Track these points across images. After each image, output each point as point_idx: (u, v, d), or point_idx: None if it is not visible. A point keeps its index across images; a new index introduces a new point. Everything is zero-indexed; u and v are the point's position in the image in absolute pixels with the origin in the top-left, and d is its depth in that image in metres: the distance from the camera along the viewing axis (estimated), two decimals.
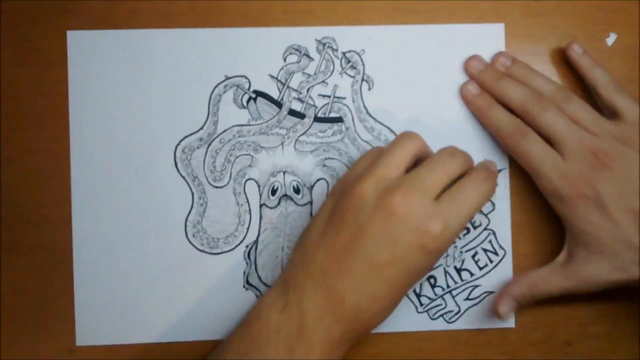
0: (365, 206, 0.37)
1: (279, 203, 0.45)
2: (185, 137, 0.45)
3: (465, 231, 0.46)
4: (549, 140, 0.42)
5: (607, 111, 0.44)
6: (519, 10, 0.46)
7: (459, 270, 0.46)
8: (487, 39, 0.46)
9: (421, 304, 0.46)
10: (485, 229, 0.46)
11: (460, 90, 0.46)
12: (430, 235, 0.37)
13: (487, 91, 0.45)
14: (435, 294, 0.46)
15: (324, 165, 0.46)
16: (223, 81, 0.45)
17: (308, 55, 0.46)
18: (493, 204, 0.46)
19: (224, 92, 0.45)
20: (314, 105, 0.46)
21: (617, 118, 0.43)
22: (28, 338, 0.45)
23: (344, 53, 0.46)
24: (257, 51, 0.45)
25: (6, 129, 0.45)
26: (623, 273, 0.40)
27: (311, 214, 0.45)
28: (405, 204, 0.37)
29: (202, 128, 0.45)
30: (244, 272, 0.45)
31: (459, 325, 0.46)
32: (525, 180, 0.46)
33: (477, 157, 0.45)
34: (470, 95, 0.45)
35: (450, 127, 0.46)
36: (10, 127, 0.45)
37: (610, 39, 0.47)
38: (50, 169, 0.45)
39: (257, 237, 0.45)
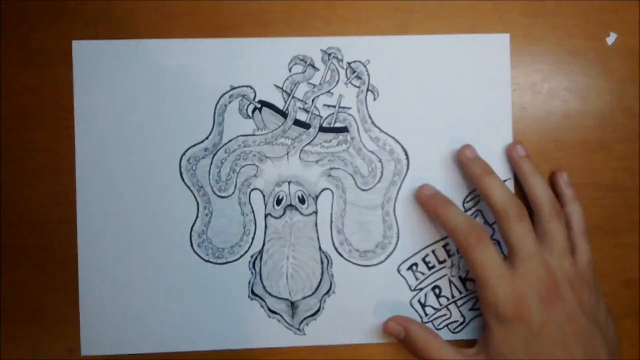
0: None
1: (284, 213, 0.45)
2: (191, 147, 0.45)
3: None
4: (509, 250, 0.42)
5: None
6: (519, 10, 0.47)
7: (463, 280, 0.46)
8: (492, 49, 0.46)
9: (426, 314, 0.46)
10: (490, 238, 0.46)
11: (415, 193, 0.45)
12: None
13: (473, 182, 0.44)
14: (440, 304, 0.46)
15: (329, 175, 0.46)
16: (228, 91, 0.45)
17: (313, 66, 0.46)
18: None
19: (230, 102, 0.45)
20: (319, 115, 0.46)
21: (574, 255, 0.43)
22: (28, 338, 0.45)
23: (349, 63, 0.46)
24: (262, 61, 0.45)
25: (7, 129, 0.45)
26: None
27: (316, 224, 0.45)
28: None
29: (207, 138, 0.45)
30: (249, 282, 0.45)
31: (464, 335, 0.46)
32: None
33: None
34: (425, 196, 0.44)
35: (455, 137, 0.46)
36: (12, 127, 0.45)
37: (610, 39, 0.47)
38: (53, 170, 0.45)
39: (262, 247, 0.45)
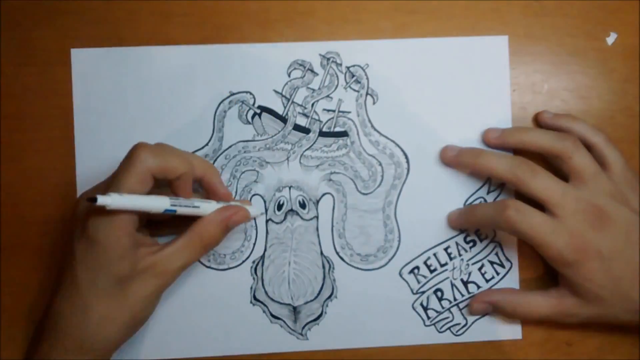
0: None
1: (285, 218, 0.45)
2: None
3: (471, 244, 0.46)
4: (542, 204, 0.42)
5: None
6: (519, 10, 0.47)
7: (465, 283, 0.46)
8: (491, 51, 0.46)
9: (428, 317, 0.46)
10: (492, 241, 0.46)
11: (440, 158, 0.46)
12: None
13: (472, 172, 0.45)
14: (442, 307, 0.46)
15: (330, 180, 0.46)
16: (228, 97, 0.45)
17: (312, 70, 0.46)
18: None
19: (229, 108, 0.45)
20: (319, 120, 0.46)
21: (606, 169, 0.43)
22: (28, 338, 0.44)
23: (348, 67, 0.46)
24: (261, 67, 0.45)
25: (7, 129, 0.45)
26: (612, 318, 0.42)
27: (317, 228, 0.45)
28: None
29: (207, 144, 0.45)
30: (251, 288, 0.45)
31: (466, 337, 0.46)
32: None
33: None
34: (452, 157, 0.45)
35: (455, 140, 0.46)
36: (11, 127, 0.45)
37: (610, 39, 0.47)
38: (53, 170, 0.45)
39: (264, 253, 0.45)
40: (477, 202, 0.46)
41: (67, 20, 0.45)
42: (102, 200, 0.34)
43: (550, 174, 0.42)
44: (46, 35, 0.45)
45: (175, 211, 0.38)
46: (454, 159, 0.45)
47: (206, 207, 0.40)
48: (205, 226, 0.40)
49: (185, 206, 0.39)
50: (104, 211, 0.35)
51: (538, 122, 0.46)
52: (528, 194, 0.42)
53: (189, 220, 0.40)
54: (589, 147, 0.43)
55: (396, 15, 0.46)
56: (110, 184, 0.38)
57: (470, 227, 0.45)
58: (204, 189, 0.42)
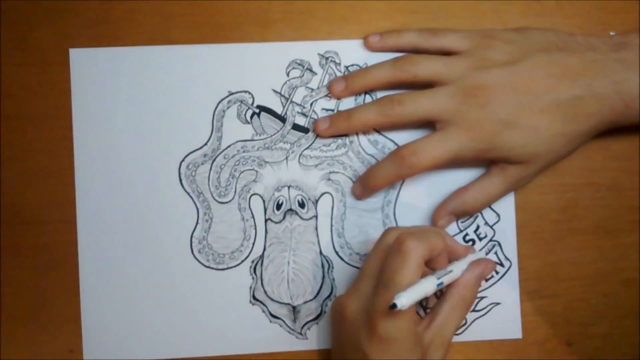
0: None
1: (284, 218, 0.45)
2: (190, 153, 0.45)
3: (470, 243, 0.46)
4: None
5: None
6: (519, 10, 0.46)
7: None
8: None
9: None
10: (491, 240, 0.46)
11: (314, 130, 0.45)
12: None
13: (350, 131, 0.45)
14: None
15: (329, 179, 0.46)
16: (226, 97, 0.45)
17: (311, 70, 0.46)
18: (498, 216, 0.46)
19: (228, 107, 0.45)
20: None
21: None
22: (28, 338, 0.45)
23: (346, 67, 0.46)
24: (260, 66, 0.45)
25: (6, 130, 0.45)
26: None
27: (316, 228, 0.45)
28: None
29: (206, 144, 0.45)
30: (250, 287, 0.45)
31: (466, 336, 0.46)
32: (530, 190, 0.46)
33: (480, 168, 0.45)
34: (325, 130, 0.45)
35: None
36: (11, 127, 0.45)
37: None
38: (53, 170, 0.45)
39: (263, 252, 0.45)
40: None
41: (66, 20, 0.45)
42: (400, 304, 0.35)
43: (429, 56, 0.42)
44: (45, 35, 0.45)
45: (442, 284, 0.39)
46: (328, 131, 0.44)
47: (458, 268, 0.40)
48: (466, 289, 0.40)
49: (446, 275, 0.39)
50: (393, 312, 0.36)
51: (367, 48, 0.45)
52: (416, 82, 0.42)
53: None
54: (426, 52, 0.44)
55: (396, 15, 0.46)
56: (384, 283, 0.37)
57: (373, 191, 0.45)
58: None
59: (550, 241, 0.46)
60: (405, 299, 0.35)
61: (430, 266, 0.40)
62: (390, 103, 0.42)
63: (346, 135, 0.45)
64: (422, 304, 0.46)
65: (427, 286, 0.37)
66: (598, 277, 0.46)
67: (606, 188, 0.46)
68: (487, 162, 0.44)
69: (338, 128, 0.44)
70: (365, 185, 0.44)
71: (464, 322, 0.46)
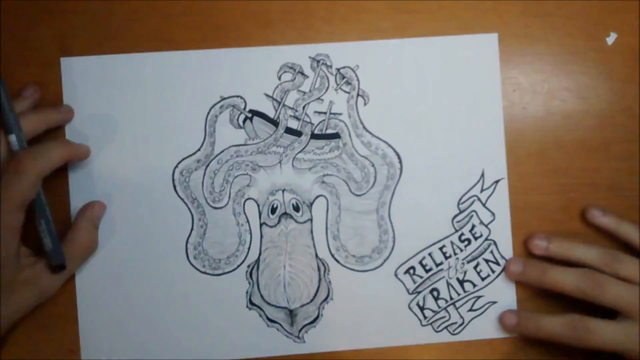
0: None
1: (279, 221, 0.45)
2: (183, 159, 0.45)
3: (466, 242, 0.46)
4: (614, 310, 0.42)
5: None
6: (519, 10, 0.46)
7: (461, 282, 0.46)
8: (481, 49, 0.46)
9: (425, 317, 0.46)
10: (486, 239, 0.46)
11: (504, 272, 0.46)
12: None
13: (539, 287, 0.45)
14: (439, 307, 0.46)
15: (323, 182, 0.46)
16: (219, 102, 0.45)
17: (302, 73, 0.46)
18: (493, 215, 0.46)
19: (220, 112, 0.45)
20: (311, 123, 0.46)
21: None
22: (28, 338, 0.45)
23: (338, 69, 0.46)
24: (251, 71, 0.45)
25: None
26: None
27: (311, 231, 0.45)
28: None
29: (199, 149, 0.45)
30: (247, 292, 0.45)
31: (464, 336, 0.46)
32: (524, 189, 0.46)
33: (475, 166, 0.46)
34: (516, 273, 0.45)
35: (446, 138, 0.46)
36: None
37: (610, 39, 0.47)
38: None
39: (259, 257, 0.45)
40: (470, 200, 0.46)
41: (66, 20, 0.45)
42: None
43: (617, 282, 0.42)
44: (45, 35, 0.45)
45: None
46: (520, 275, 0.45)
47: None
48: (77, 237, 0.42)
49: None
50: None
51: (585, 218, 0.46)
52: (601, 305, 0.42)
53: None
54: (637, 247, 0.44)
55: (396, 15, 0.46)
56: None
57: (532, 336, 0.45)
58: None
59: None
60: None
61: None
62: (595, 284, 0.42)
63: (338, 137, 0.45)
64: (420, 305, 0.46)
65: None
66: None
67: (606, 188, 0.47)
68: None
69: (529, 277, 0.44)
70: (525, 329, 0.44)
71: (461, 321, 0.46)
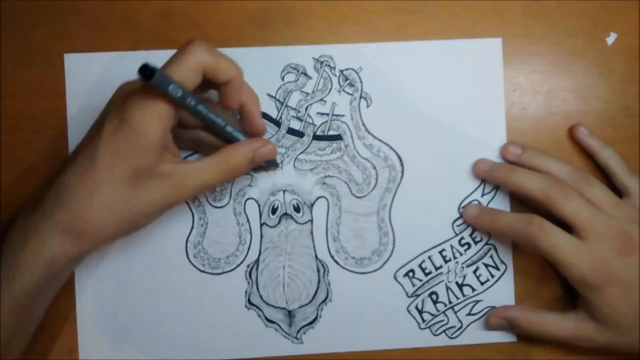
0: None
1: (279, 222, 0.45)
2: (185, 157, 0.45)
3: (466, 246, 0.46)
4: (569, 225, 0.41)
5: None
6: (519, 10, 0.46)
7: (460, 286, 0.46)
8: (485, 54, 0.46)
9: (423, 320, 0.46)
10: (486, 244, 0.46)
11: (472, 170, 0.46)
12: None
13: (503, 188, 0.45)
14: (438, 310, 0.46)
15: (324, 183, 0.46)
16: None
17: (306, 74, 0.46)
18: None
19: None
20: (313, 124, 0.46)
21: (627, 197, 0.43)
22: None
23: (341, 71, 0.46)
24: (254, 70, 0.45)
25: (5, 130, 0.45)
26: (629, 347, 0.42)
27: (312, 232, 0.45)
28: None
29: None
30: (246, 292, 0.45)
31: (462, 340, 0.46)
32: None
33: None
34: (483, 171, 0.45)
35: (449, 142, 0.46)
36: (10, 127, 0.45)
37: (611, 39, 0.47)
38: (51, 172, 0.44)
39: (258, 257, 0.45)
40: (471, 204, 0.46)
41: (66, 20, 0.45)
42: (156, 74, 0.33)
43: (581, 197, 0.41)
44: (44, 35, 0.45)
45: (208, 115, 0.37)
46: (486, 173, 0.45)
47: (236, 134, 0.39)
48: (234, 151, 0.39)
49: (217, 116, 0.38)
50: (146, 95, 0.35)
51: (572, 134, 0.46)
52: (557, 215, 0.41)
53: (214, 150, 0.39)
54: (611, 175, 0.44)
55: (396, 16, 0.46)
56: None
57: (488, 230, 0.45)
58: (242, 115, 0.40)
59: None
60: (160, 74, 0.33)
61: (220, 98, 0.39)
62: (559, 190, 0.41)
63: (340, 139, 0.45)
64: (418, 309, 0.46)
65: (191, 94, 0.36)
66: None
67: None
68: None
69: (495, 177, 0.44)
70: (483, 221, 0.45)
71: (459, 325, 0.46)
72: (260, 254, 0.45)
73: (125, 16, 0.45)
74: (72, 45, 0.45)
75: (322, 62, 0.46)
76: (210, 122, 0.38)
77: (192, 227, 0.45)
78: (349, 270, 0.46)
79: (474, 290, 0.46)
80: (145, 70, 0.33)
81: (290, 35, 0.46)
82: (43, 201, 0.37)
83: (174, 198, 0.38)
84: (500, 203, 0.46)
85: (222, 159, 0.39)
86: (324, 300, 0.45)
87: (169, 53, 0.44)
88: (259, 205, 0.45)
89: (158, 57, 0.44)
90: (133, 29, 0.45)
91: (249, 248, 0.45)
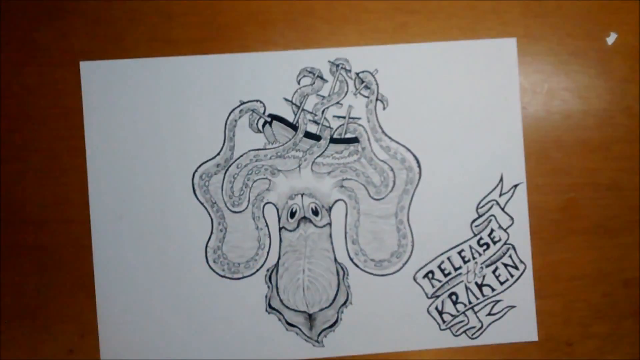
0: None
1: (298, 226, 0.45)
2: (203, 163, 0.45)
3: (485, 247, 0.46)
4: None
5: None
6: (519, 10, 0.46)
7: (480, 286, 0.46)
8: (500, 54, 0.46)
9: (443, 321, 0.46)
10: (505, 243, 0.46)
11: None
12: None
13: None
14: (458, 311, 0.46)
15: (342, 186, 0.46)
16: (238, 106, 0.45)
17: (322, 77, 0.46)
18: (512, 219, 0.46)
19: (240, 117, 0.45)
20: (330, 127, 0.46)
21: None
22: (28, 338, 0.45)
23: (357, 73, 0.46)
24: (270, 75, 0.45)
25: (8, 129, 0.45)
26: None
27: (331, 235, 0.45)
28: None
29: (218, 154, 0.45)
30: (266, 296, 0.45)
31: (483, 340, 0.46)
32: (543, 193, 0.46)
33: (494, 171, 0.46)
34: None
35: (465, 141, 0.46)
36: (12, 127, 0.45)
37: (611, 39, 0.47)
38: (56, 171, 0.45)
39: (278, 261, 0.45)
40: (489, 204, 0.46)
41: (68, 20, 0.45)
42: None
43: None
44: (47, 35, 0.45)
45: None
46: None
47: None
48: None
49: None
50: None
51: None
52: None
53: None
54: None
55: (396, 15, 0.46)
56: None
57: None
58: None
59: (550, 241, 0.46)
60: None
61: None
62: None
63: (357, 141, 0.46)
64: (438, 310, 0.46)
65: None
66: (598, 277, 0.46)
67: (606, 188, 0.47)
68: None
69: None
70: None
71: (479, 325, 0.46)
72: (279, 258, 0.45)
73: (126, 16, 0.45)
74: (73, 46, 0.45)
75: (337, 65, 0.46)
76: None
77: (212, 233, 0.45)
78: (368, 272, 0.46)
79: (493, 290, 0.46)
80: None
81: (290, 35, 0.46)
82: None
83: None
84: (518, 202, 0.46)
85: None
86: (344, 303, 0.45)
87: (182, 59, 0.44)
88: (277, 210, 0.45)
89: (175, 64, 0.45)
90: (134, 29, 0.45)
91: (268, 252, 0.45)
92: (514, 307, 0.46)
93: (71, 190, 0.45)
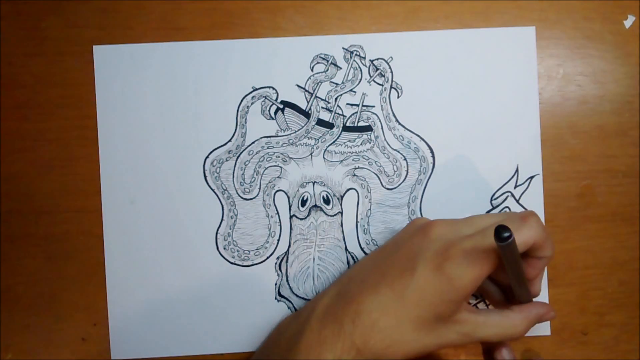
0: None
1: (309, 214, 0.45)
2: (214, 149, 0.45)
3: None
4: None
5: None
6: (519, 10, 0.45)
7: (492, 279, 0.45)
8: (518, 43, 0.45)
9: None
10: None
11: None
12: None
13: None
14: (468, 302, 0.45)
15: (354, 175, 0.45)
16: (250, 92, 0.45)
17: (335, 64, 0.45)
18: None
19: (252, 103, 0.45)
20: (343, 115, 0.45)
21: None
22: (41, 326, 0.45)
23: (371, 61, 0.45)
24: (284, 61, 0.45)
25: (17, 119, 0.45)
26: None
27: (342, 224, 0.45)
28: None
29: (230, 140, 0.45)
30: (276, 284, 0.45)
31: None
32: (558, 180, 0.45)
33: (510, 162, 0.45)
34: None
35: (481, 132, 0.45)
36: (22, 117, 0.45)
37: (628, 22, 0.46)
38: (64, 160, 0.45)
39: (288, 249, 0.45)
40: (503, 196, 0.45)
41: (75, 9, 0.45)
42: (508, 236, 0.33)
43: None
44: (55, 24, 0.45)
45: (521, 274, 0.37)
46: None
47: (526, 292, 0.39)
48: (534, 310, 0.39)
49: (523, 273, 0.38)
50: (475, 256, 0.35)
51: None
52: None
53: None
54: None
55: (407, 0, 0.45)
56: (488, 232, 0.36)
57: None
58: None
59: (566, 229, 0.45)
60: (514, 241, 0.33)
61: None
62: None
63: (370, 130, 0.45)
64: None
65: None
66: (614, 265, 0.45)
67: (623, 174, 0.46)
68: None
69: None
70: None
71: None
72: (290, 246, 0.45)
73: (134, 4, 0.45)
74: (80, 35, 0.45)
75: (352, 52, 0.45)
76: (519, 280, 0.38)
77: (222, 219, 0.45)
78: None
79: None
80: (501, 232, 0.33)
81: (300, 21, 0.45)
82: (339, 318, 0.37)
83: (457, 343, 0.38)
84: (534, 195, 0.45)
85: (526, 316, 0.39)
86: None
87: (195, 44, 0.44)
88: (288, 197, 0.45)
89: (188, 49, 0.45)
90: (141, 17, 0.45)
91: (278, 240, 0.45)
92: None
93: (83, 180, 0.45)
